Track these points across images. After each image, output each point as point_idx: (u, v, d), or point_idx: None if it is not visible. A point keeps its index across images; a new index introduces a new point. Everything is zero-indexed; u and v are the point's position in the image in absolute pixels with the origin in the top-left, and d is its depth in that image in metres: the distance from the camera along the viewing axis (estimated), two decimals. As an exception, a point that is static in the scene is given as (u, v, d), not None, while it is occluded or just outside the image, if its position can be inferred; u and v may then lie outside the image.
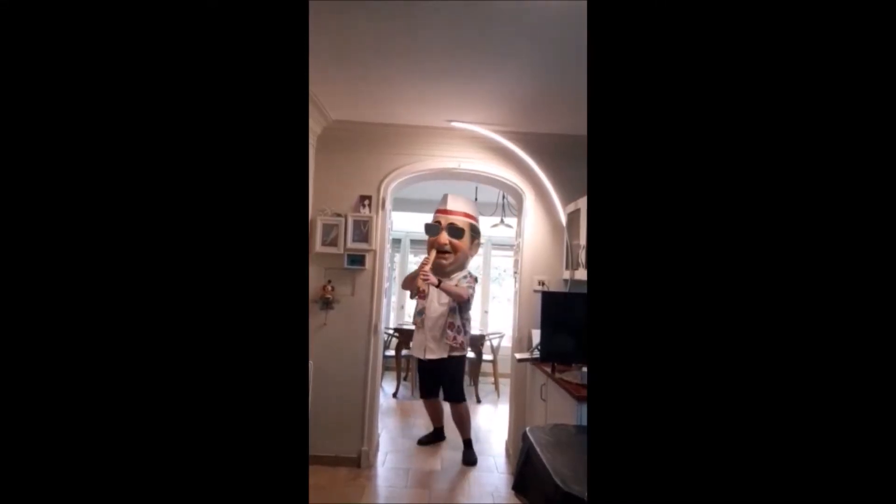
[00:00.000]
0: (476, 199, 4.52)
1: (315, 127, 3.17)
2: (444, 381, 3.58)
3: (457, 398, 3.56)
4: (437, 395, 3.73)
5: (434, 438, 3.88)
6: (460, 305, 3.51)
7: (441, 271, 3.50)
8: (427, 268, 3.36)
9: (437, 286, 3.36)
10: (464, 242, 3.59)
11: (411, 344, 3.75)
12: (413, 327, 3.76)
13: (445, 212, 3.64)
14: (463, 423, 3.59)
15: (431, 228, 3.63)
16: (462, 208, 3.69)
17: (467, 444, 3.58)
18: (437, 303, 3.50)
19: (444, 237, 3.53)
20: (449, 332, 3.47)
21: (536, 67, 2.36)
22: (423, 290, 3.36)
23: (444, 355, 3.48)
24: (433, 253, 3.51)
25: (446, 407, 3.67)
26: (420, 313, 3.58)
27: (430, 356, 3.50)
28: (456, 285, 3.46)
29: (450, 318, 3.48)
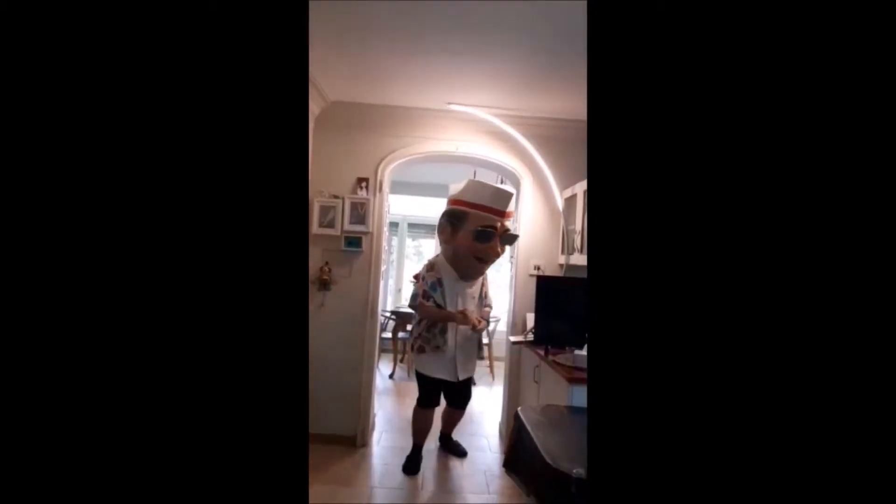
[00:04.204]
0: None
1: (313, 108, 3.17)
2: (459, 391, 3.20)
3: (464, 405, 3.27)
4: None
5: (452, 448, 3.40)
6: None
7: (475, 276, 3.11)
8: (473, 321, 2.95)
9: (480, 327, 3.03)
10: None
11: (434, 367, 3.06)
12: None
13: (501, 213, 2.98)
14: (454, 422, 3.33)
15: (486, 235, 2.94)
16: (512, 207, 3.11)
17: (448, 437, 3.35)
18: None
19: (499, 247, 2.99)
20: (479, 351, 3.23)
21: (536, 50, 2.36)
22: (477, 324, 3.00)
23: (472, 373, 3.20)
24: (480, 320, 3.01)
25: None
26: (443, 332, 3.02)
27: (463, 375, 3.12)
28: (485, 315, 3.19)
29: (481, 336, 3.22)
